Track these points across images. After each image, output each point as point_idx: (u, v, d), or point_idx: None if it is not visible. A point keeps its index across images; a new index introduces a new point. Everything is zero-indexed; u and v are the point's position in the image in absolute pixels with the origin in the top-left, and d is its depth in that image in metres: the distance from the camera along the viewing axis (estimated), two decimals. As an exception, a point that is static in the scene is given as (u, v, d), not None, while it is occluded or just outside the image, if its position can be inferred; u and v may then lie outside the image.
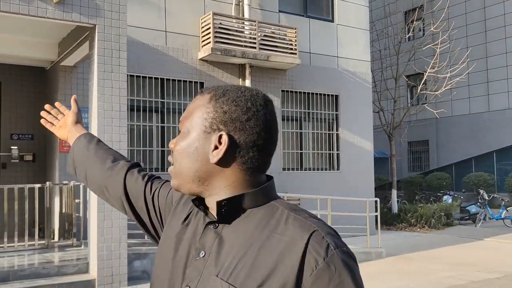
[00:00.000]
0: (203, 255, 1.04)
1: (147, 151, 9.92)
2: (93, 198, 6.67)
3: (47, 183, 8.00)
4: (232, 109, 1.04)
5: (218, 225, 1.06)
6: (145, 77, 9.80)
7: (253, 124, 1.03)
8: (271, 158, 1.09)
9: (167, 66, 9.96)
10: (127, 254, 6.70)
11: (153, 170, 9.91)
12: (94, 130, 6.68)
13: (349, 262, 0.96)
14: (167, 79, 10.04)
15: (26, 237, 7.49)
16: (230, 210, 1.04)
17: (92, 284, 6.42)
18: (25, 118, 9.51)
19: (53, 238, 8.16)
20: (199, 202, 1.10)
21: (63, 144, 8.78)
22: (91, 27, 6.66)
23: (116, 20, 6.62)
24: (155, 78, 9.90)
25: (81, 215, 8.09)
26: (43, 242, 7.76)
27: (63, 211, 8.24)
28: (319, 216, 1.07)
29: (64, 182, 8.30)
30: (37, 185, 7.75)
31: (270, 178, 1.11)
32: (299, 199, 10.50)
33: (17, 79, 9.42)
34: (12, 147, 9.30)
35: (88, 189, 8.17)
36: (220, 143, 1.04)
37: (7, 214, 7.42)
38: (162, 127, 10.06)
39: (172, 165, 1.12)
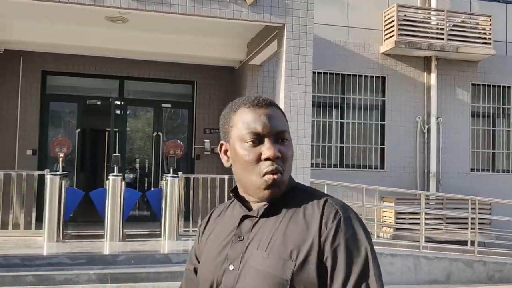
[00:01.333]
0: (241, 239, 1.22)
1: (326, 147, 9.99)
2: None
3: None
4: None
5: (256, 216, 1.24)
6: (326, 73, 9.87)
7: None
8: None
9: (348, 62, 9.88)
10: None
11: (332, 166, 9.95)
12: (280, 126, 6.92)
13: (354, 220, 1.19)
14: (347, 75, 9.97)
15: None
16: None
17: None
18: (216, 114, 10.33)
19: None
20: (237, 198, 1.30)
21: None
22: (280, 26, 6.91)
23: (304, 18, 6.76)
24: (336, 74, 9.90)
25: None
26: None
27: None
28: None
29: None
30: (226, 176, 8.34)
31: None
32: (490, 204, 9.55)
33: (210, 79, 10.27)
34: (205, 141, 10.18)
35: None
36: None
37: (200, 201, 8.13)
38: (342, 123, 10.03)
39: (281, 173, 1.21)
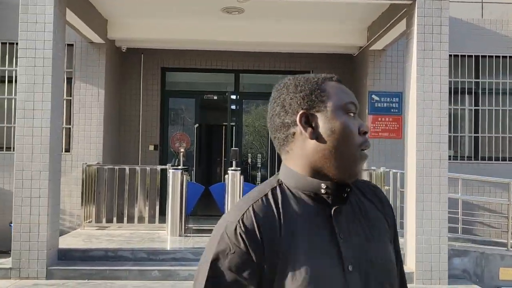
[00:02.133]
0: (343, 236, 1.08)
1: (458, 137, 9.02)
2: (410, 187, 6.28)
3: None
4: None
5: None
6: (457, 55, 8.88)
7: None
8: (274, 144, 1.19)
9: (483, 42, 8.81)
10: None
11: (465, 158, 8.97)
12: (412, 114, 6.26)
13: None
14: (482, 56, 8.90)
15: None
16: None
17: (410, 277, 6.04)
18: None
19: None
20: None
21: (371, 131, 8.67)
22: (409, 4, 6.22)
23: (438, -8, 6.01)
24: (468, 56, 8.88)
25: (391, 203, 7.84)
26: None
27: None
28: None
29: (372, 167, 8.18)
30: None
31: None
32: None
33: (327, 68, 9.77)
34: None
35: (397, 175, 7.92)
36: None
37: None
38: (476, 111, 8.99)
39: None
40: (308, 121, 1.09)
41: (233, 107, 9.86)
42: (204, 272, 1.04)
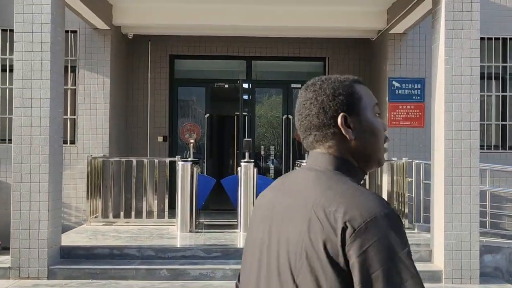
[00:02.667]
0: None
1: (484, 125, 8.49)
2: (438, 178, 5.81)
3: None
4: None
5: None
6: (483, 38, 8.30)
7: None
8: (303, 138, 1.23)
9: (511, 23, 8.25)
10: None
11: (492, 148, 8.45)
12: (439, 100, 5.78)
13: None
14: (510, 39, 8.34)
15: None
16: None
17: (438, 275, 5.59)
18: (351, 92, 9.36)
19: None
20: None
21: (391, 119, 8.19)
22: (436, -21, 5.72)
23: (469, -35, 5.50)
24: (495, 38, 8.33)
25: (413, 195, 7.38)
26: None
27: (394, 190, 7.67)
28: None
29: (393, 159, 7.72)
30: None
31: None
32: None
33: (343, 53, 9.29)
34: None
35: (420, 166, 7.46)
36: None
37: None
38: (503, 97, 8.46)
39: None
40: (347, 122, 1.17)
41: (245, 96, 9.42)
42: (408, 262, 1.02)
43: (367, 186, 7.91)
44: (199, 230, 7.00)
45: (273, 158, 9.67)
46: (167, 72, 9.26)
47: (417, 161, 7.46)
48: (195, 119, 9.51)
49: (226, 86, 9.55)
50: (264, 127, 9.82)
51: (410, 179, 7.45)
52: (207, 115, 9.32)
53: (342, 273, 1.00)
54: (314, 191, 1.11)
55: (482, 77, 8.36)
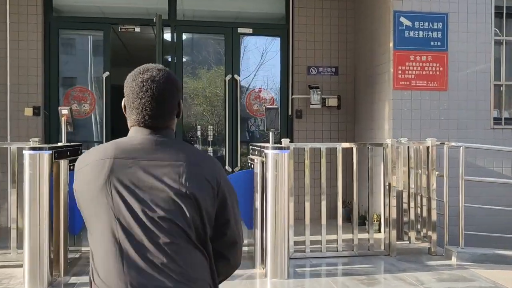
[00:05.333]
0: None
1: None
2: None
3: (388, 141, 4.55)
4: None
5: None
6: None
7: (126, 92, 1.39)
8: (138, 116, 1.35)
9: None
10: None
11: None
12: None
13: None
14: None
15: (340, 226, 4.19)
16: None
17: None
18: (327, 43, 6.29)
19: (379, 231, 4.81)
20: None
21: (398, 78, 5.20)
22: None
23: None
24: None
25: (444, 200, 4.50)
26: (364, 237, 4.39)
27: (411, 191, 4.74)
28: None
29: (402, 139, 4.80)
30: (347, 145, 4.43)
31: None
32: None
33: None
34: (311, 87, 6.16)
35: (461, 153, 4.53)
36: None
37: (309, 185, 4.35)
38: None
39: None
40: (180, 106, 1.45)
41: (167, 42, 6.14)
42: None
43: (358, 181, 4.93)
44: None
45: (211, 139, 6.47)
46: (41, 6, 5.78)
47: (453, 144, 4.53)
48: (86, 80, 6.11)
49: (137, 29, 6.18)
50: (197, 95, 6.57)
51: (440, 174, 4.54)
52: (106, 74, 5.94)
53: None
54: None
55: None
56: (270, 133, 4.12)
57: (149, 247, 1.21)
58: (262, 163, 3.98)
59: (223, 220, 1.35)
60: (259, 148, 4.18)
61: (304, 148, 4.47)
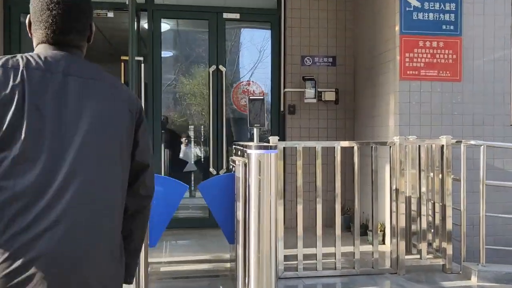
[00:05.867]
0: None
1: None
2: None
3: (395, 139, 3.89)
4: None
5: None
6: None
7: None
8: (47, 30, 1.27)
9: None
10: None
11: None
12: None
13: None
14: None
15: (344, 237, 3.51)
16: None
17: None
18: (324, 30, 5.62)
19: (384, 242, 4.14)
20: None
21: (405, 66, 4.53)
22: None
23: None
24: None
25: (461, 208, 3.83)
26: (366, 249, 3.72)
27: (423, 197, 4.06)
28: None
29: (410, 137, 4.14)
30: (353, 144, 3.75)
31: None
32: None
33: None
34: (305, 78, 5.48)
35: (482, 152, 3.81)
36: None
37: (302, 189, 3.70)
38: None
39: None
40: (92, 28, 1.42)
41: (143, 28, 5.46)
42: None
43: (360, 183, 4.27)
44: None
45: (199, 140, 5.83)
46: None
47: (472, 143, 3.87)
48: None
49: (110, 14, 5.49)
50: (180, 88, 5.89)
51: (455, 177, 3.88)
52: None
53: None
54: None
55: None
56: (255, 129, 3.43)
57: None
58: (245, 165, 3.30)
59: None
60: (241, 148, 3.50)
61: (296, 147, 3.79)
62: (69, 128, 1.17)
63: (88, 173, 1.18)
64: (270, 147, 3.22)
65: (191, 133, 5.85)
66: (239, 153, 3.64)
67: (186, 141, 5.86)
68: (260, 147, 3.19)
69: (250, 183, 3.18)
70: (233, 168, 3.68)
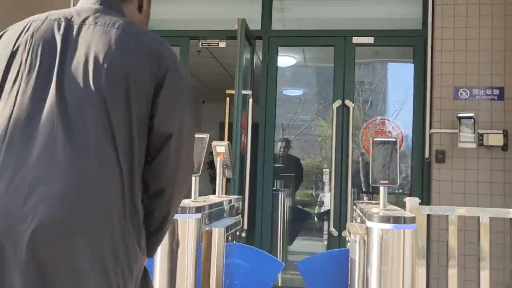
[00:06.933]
0: None
1: None
2: None
3: None
4: None
5: None
6: None
7: None
8: None
9: None
10: None
11: None
12: None
13: None
14: None
15: None
16: None
17: None
18: (487, 53, 4.29)
19: None
20: None
21: None
22: None
23: None
24: None
25: None
26: None
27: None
28: None
29: None
30: None
31: None
32: None
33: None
34: (460, 116, 4.15)
35: None
36: None
37: (456, 269, 2.38)
38: None
39: None
40: None
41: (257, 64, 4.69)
42: None
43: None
44: None
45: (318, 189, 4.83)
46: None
47: None
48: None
49: (221, 44, 4.82)
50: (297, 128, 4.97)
51: None
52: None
53: None
54: None
55: None
56: (381, 188, 2.30)
57: None
58: (364, 242, 2.18)
59: None
60: (361, 214, 2.39)
61: (447, 215, 2.55)
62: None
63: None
64: (404, 220, 2.06)
65: (310, 180, 4.86)
66: (358, 220, 2.53)
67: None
68: (386, 219, 2.06)
69: (369, 274, 2.05)
70: (348, 242, 2.57)
